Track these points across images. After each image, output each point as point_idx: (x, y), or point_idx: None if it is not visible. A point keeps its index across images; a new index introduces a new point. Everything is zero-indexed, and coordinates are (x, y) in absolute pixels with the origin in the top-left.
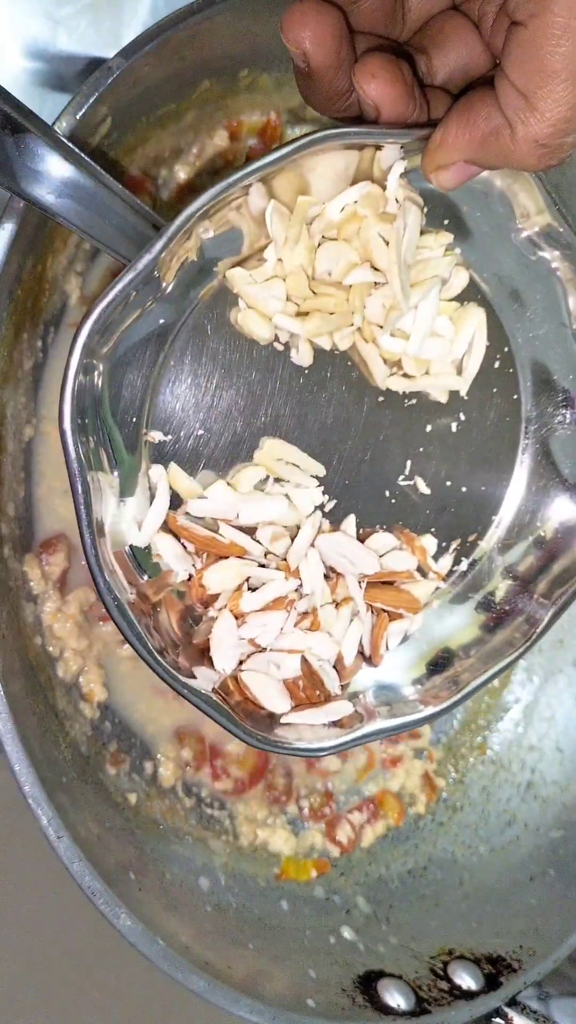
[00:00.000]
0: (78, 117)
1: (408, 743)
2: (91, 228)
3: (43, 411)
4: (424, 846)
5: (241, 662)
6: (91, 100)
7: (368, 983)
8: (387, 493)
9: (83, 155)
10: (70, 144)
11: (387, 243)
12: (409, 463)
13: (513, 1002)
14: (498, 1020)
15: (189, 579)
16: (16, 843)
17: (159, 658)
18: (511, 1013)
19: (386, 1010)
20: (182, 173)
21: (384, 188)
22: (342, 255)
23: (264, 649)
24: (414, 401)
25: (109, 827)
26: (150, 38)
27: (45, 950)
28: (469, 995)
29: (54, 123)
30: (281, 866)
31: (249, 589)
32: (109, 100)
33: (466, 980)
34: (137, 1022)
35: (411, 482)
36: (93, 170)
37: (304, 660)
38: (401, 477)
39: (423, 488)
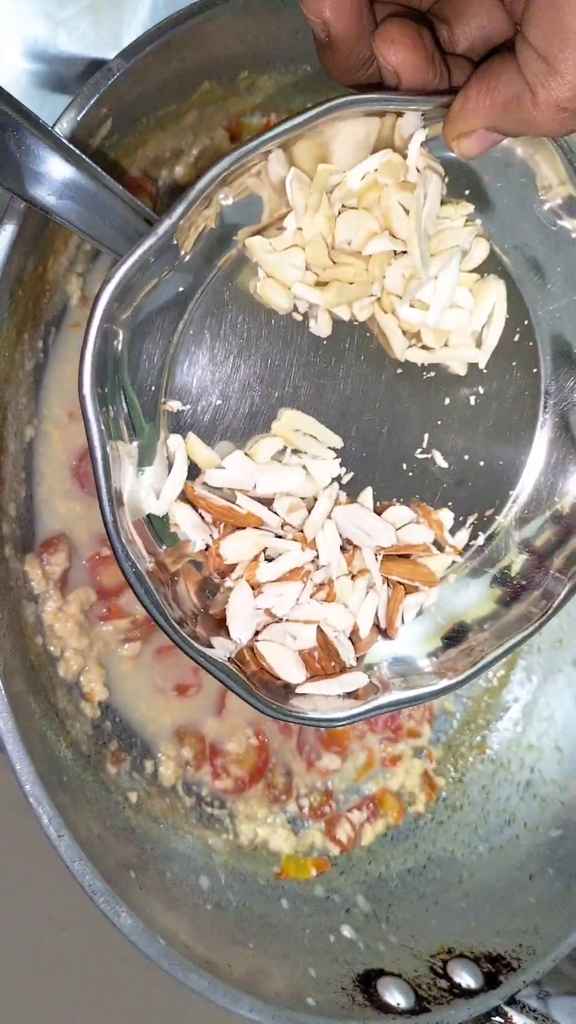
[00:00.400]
0: (79, 118)
1: (408, 742)
2: (92, 229)
3: (44, 411)
4: (424, 845)
5: (257, 632)
6: (92, 101)
7: (368, 981)
8: (404, 466)
9: (84, 156)
10: (71, 145)
11: (407, 212)
12: (427, 436)
13: (512, 1001)
14: (497, 1019)
15: (207, 549)
16: (16, 842)
17: (176, 626)
18: (510, 1012)
19: (386, 1008)
20: (183, 174)
21: (405, 156)
22: (362, 224)
23: (280, 619)
24: (433, 373)
25: (110, 826)
26: (150, 39)
27: (45, 950)
28: (469, 994)
29: (55, 124)
30: (281, 865)
31: (266, 559)
32: (109, 101)
33: (465, 979)
34: (137, 1022)
35: (429, 455)
36: (94, 171)
37: (320, 631)
38: (419, 450)
39: (441, 461)
